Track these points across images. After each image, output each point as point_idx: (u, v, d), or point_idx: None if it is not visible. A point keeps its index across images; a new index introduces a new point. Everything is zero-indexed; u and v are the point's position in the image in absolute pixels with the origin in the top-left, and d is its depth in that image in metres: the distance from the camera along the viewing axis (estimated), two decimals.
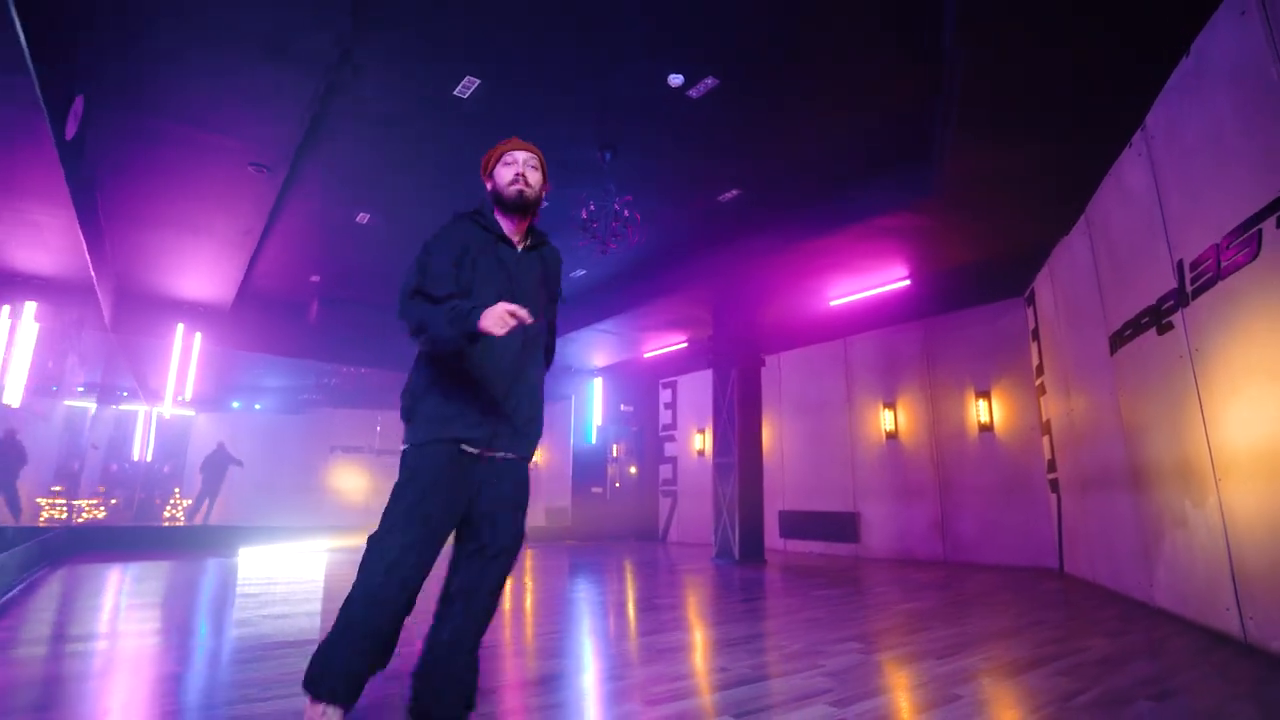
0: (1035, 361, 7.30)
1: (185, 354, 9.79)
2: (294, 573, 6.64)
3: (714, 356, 8.98)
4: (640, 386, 13.24)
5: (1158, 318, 4.04)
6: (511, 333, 1.87)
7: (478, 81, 4.82)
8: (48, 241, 6.29)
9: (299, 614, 4.17)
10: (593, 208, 4.60)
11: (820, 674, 2.69)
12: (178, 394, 10.03)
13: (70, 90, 4.29)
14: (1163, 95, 3.93)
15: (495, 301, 1.84)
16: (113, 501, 12.52)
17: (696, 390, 11.96)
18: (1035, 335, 7.26)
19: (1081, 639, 3.44)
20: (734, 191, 6.75)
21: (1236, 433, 3.27)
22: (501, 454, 2.01)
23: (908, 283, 7.82)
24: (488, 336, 1.81)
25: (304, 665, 1.85)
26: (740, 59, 4.75)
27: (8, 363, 7.53)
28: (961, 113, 4.59)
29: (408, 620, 1.91)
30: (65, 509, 11.29)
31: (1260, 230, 3.03)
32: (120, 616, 4.10)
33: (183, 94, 4.64)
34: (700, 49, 4.63)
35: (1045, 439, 7.07)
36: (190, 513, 12.36)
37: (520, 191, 2.08)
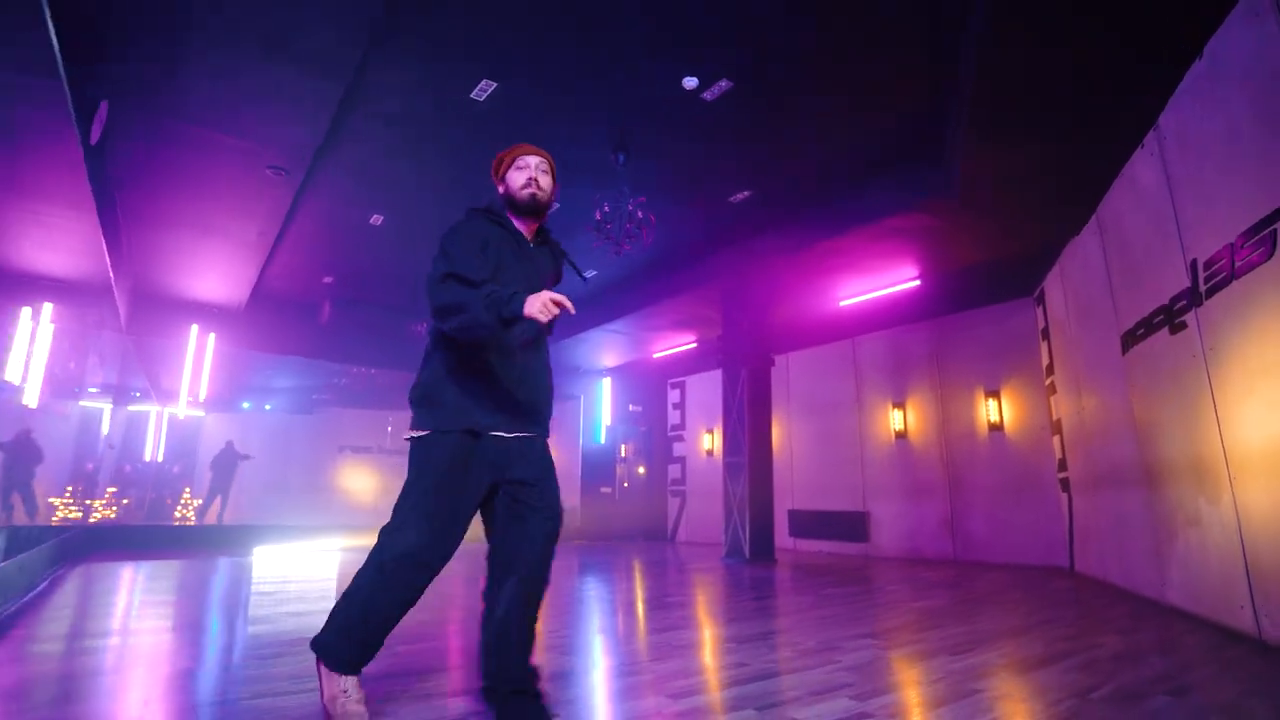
0: (1045, 361, 7.31)
1: (199, 354, 9.89)
2: (307, 571, 6.72)
3: (724, 356, 9.02)
4: (649, 386, 13.28)
5: (1171, 317, 4.06)
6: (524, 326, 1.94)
7: (494, 85, 4.89)
8: (68, 244, 6.39)
9: (316, 611, 4.24)
10: (607, 209, 4.65)
11: (838, 669, 2.73)
12: (192, 395, 10.14)
13: (95, 95, 4.37)
14: (1176, 96, 3.94)
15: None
16: (124, 502, 12.66)
17: (705, 390, 11.99)
18: (1045, 335, 7.27)
19: (1094, 636, 3.47)
20: (745, 192, 6.79)
21: (1251, 431, 3.28)
22: (519, 434, 2.07)
23: (918, 283, 7.84)
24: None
25: None
26: (754, 62, 4.79)
27: (27, 364, 7.63)
28: (974, 113, 4.62)
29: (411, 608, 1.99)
30: (79, 509, 11.44)
31: (1275, 230, 3.04)
32: (143, 613, 4.17)
33: (205, 98, 4.73)
34: (715, 52, 4.68)
35: (1056, 438, 7.08)
36: (201, 511, 12.48)
37: (533, 195, 2.14)
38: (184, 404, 10.32)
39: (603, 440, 12.94)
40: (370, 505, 15.15)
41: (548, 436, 2.22)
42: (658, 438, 13.11)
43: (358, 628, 1.91)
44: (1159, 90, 4.02)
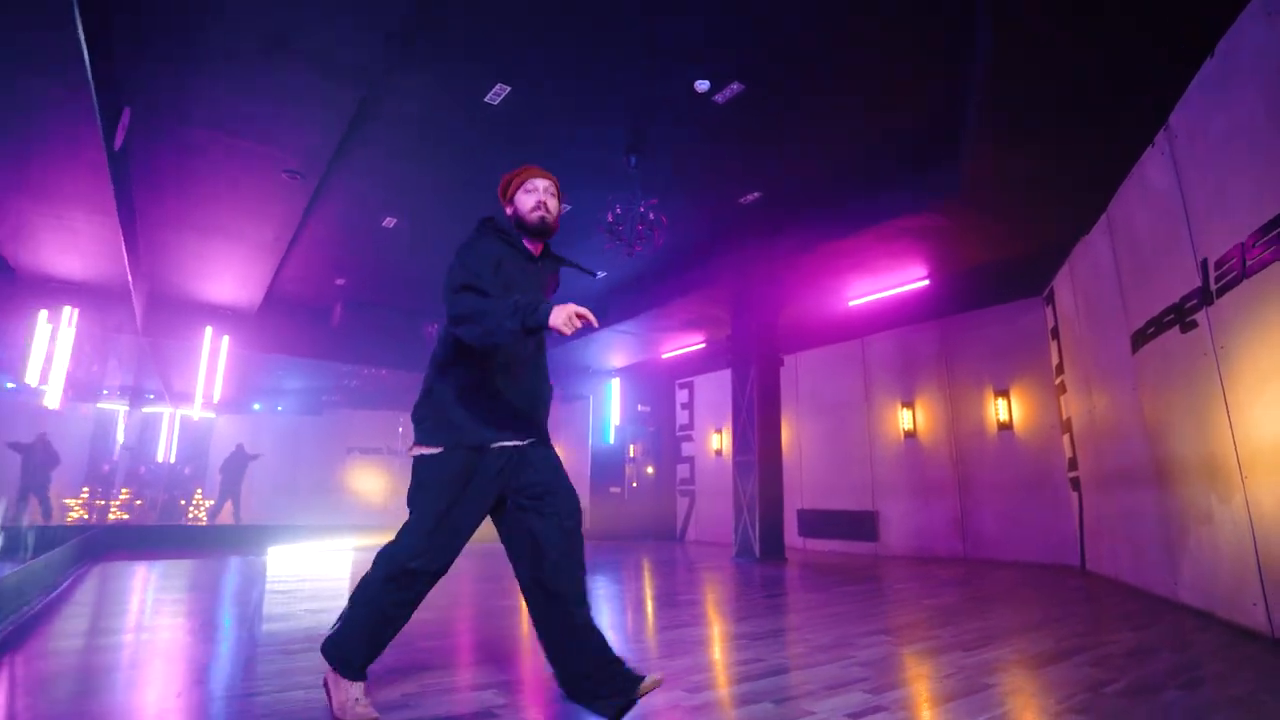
0: (1055, 360, 7.31)
1: (213, 356, 10.00)
2: (320, 570, 6.80)
3: (733, 356, 9.06)
4: (657, 387, 13.33)
5: (1182, 316, 4.07)
6: (533, 343, 2.05)
7: (508, 89, 4.96)
8: (89, 248, 6.50)
9: (333, 609, 4.30)
10: (619, 211, 4.71)
11: (852, 664, 2.77)
12: (206, 396, 10.25)
13: (118, 102, 4.45)
14: (1186, 95, 3.96)
15: None
16: (137, 503, 12.79)
17: (713, 390, 12.03)
18: (1055, 334, 7.27)
19: (1107, 633, 3.49)
20: (755, 194, 6.83)
21: (1263, 429, 3.30)
22: (519, 443, 2.13)
23: (926, 283, 7.86)
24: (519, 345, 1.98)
25: None
26: (765, 65, 4.84)
27: (48, 366, 7.75)
28: (984, 114, 4.64)
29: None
30: (91, 510, 11.59)
31: None
32: (166, 610, 4.25)
33: (224, 104, 4.81)
34: (727, 56, 4.73)
35: (1066, 437, 7.08)
36: (212, 513, 12.60)
37: (542, 218, 2.21)
38: (199, 405, 10.44)
39: (611, 440, 12.99)
40: (379, 506, 15.24)
41: (548, 440, 2.27)
42: (666, 438, 13.15)
43: (368, 634, 1.99)
44: (1170, 89, 4.03)
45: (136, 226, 6.87)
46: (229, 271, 8.26)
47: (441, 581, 2.11)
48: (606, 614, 4.20)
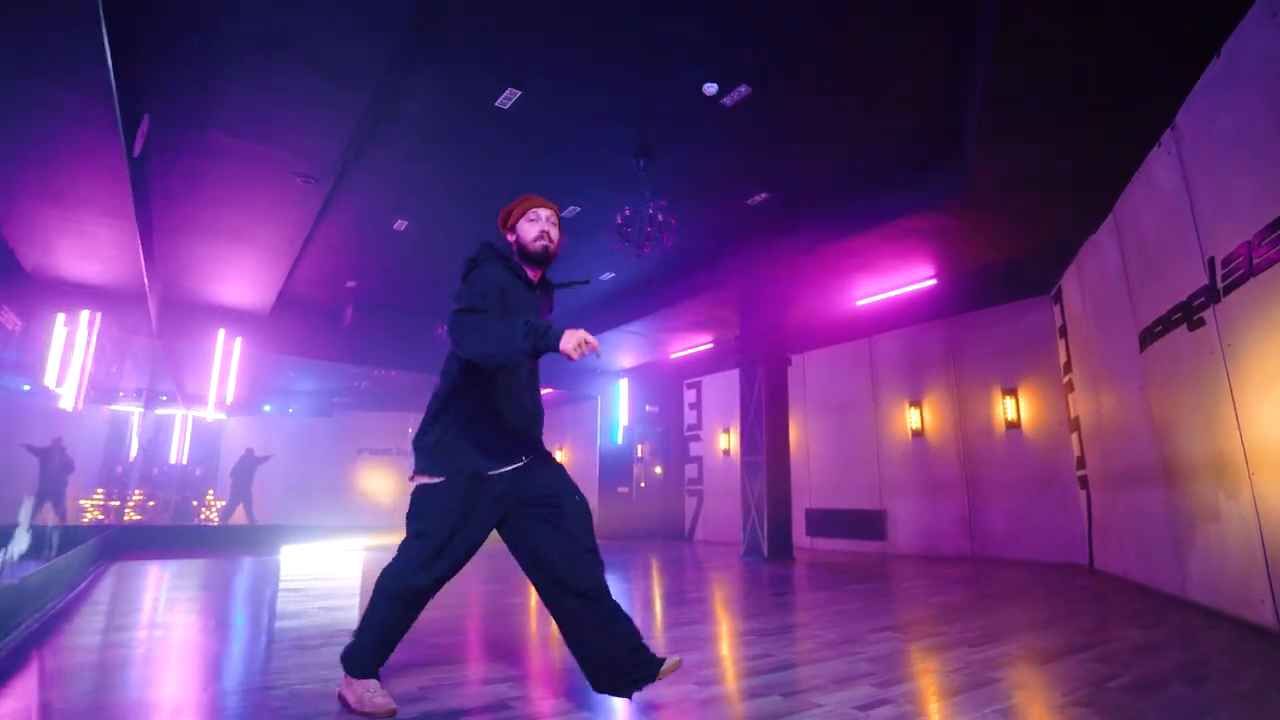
0: (1063, 359, 7.30)
1: (226, 358, 10.12)
2: (333, 570, 6.88)
3: (741, 356, 9.09)
4: (665, 387, 13.37)
5: (1189, 314, 4.08)
6: (530, 368, 2.25)
7: (518, 93, 5.03)
8: (107, 252, 6.61)
9: (347, 606, 4.38)
10: (628, 213, 4.76)
11: (859, 660, 2.80)
12: (219, 398, 10.37)
13: (137, 109, 4.55)
14: (1193, 95, 3.97)
15: None
16: (150, 504, 12.94)
17: (721, 390, 12.06)
18: (1063, 333, 7.27)
19: (1114, 630, 3.51)
20: (763, 195, 6.87)
21: (1270, 427, 3.31)
22: (517, 465, 2.21)
23: (934, 282, 7.87)
24: (517, 369, 2.18)
25: None
26: (773, 67, 4.88)
27: (64, 369, 7.88)
28: (985, 115, 4.66)
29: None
30: (106, 511, 11.74)
31: None
32: (185, 607, 4.33)
33: (240, 110, 4.90)
34: (734, 59, 4.78)
35: (1074, 436, 7.07)
36: (224, 514, 12.74)
37: (545, 247, 2.28)
38: (212, 407, 10.57)
39: (620, 440, 13.04)
40: (389, 506, 15.35)
41: (545, 451, 2.35)
42: (674, 438, 13.19)
43: (378, 644, 2.12)
44: (1176, 89, 4.05)
45: (152, 231, 6.98)
46: (242, 274, 8.37)
47: (451, 582, 2.19)
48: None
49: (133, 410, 13.33)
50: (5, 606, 3.09)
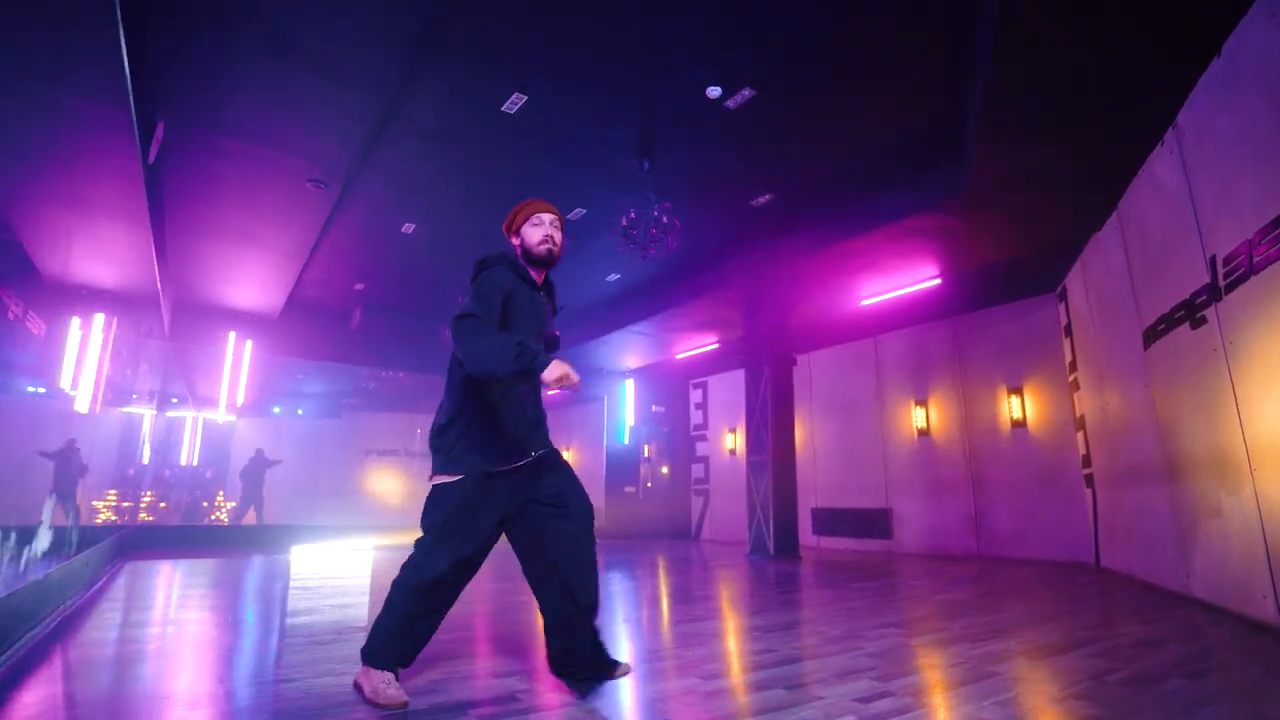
0: (1068, 357, 7.31)
1: (236, 360, 10.24)
2: (342, 569, 6.96)
3: (746, 356, 9.13)
4: (671, 387, 13.42)
5: (1191, 312, 4.10)
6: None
7: (525, 98, 5.11)
8: (121, 256, 6.73)
9: (358, 604, 4.45)
10: (633, 215, 4.82)
11: (862, 655, 2.84)
12: (229, 399, 10.50)
13: (153, 117, 4.64)
14: (1194, 94, 3.99)
15: (527, 335, 2.22)
16: (161, 505, 13.07)
17: (727, 390, 12.10)
18: (1068, 331, 7.27)
19: (1116, 625, 3.54)
20: (767, 196, 6.91)
21: (1271, 423, 3.33)
22: (525, 461, 2.29)
23: (938, 281, 7.89)
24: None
25: None
26: (776, 70, 4.93)
27: (78, 371, 8.00)
28: (986, 114, 4.69)
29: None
30: (118, 512, 11.88)
31: None
32: (201, 604, 4.41)
33: (252, 116, 5.00)
34: (737, 63, 4.83)
35: (1080, 434, 7.08)
36: (235, 516, 12.84)
37: (549, 250, 2.38)
38: (223, 409, 10.69)
39: (626, 441, 13.10)
40: (397, 507, 15.45)
41: (553, 447, 2.45)
42: (681, 437, 13.23)
43: (395, 637, 2.16)
44: (1177, 88, 4.07)
45: (165, 235, 7.10)
46: (253, 277, 8.48)
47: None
48: (623, 609, 4.30)
49: (145, 412, 13.48)
50: (30, 602, 3.18)
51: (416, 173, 6.34)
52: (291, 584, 5.56)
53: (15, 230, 6.22)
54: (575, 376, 1.99)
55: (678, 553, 9.22)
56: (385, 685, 2.09)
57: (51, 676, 2.54)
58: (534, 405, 2.40)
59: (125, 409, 13.01)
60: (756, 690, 2.32)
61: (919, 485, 8.80)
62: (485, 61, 4.76)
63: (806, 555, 8.50)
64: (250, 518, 12.53)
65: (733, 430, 11.87)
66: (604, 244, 7.40)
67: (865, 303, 8.76)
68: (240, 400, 10.63)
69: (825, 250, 7.19)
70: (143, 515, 12.52)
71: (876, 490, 9.29)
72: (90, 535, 7.06)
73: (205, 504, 13.60)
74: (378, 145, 5.72)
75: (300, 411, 16.18)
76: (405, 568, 2.21)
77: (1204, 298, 3.92)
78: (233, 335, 10.09)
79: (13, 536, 4.88)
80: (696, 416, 12.97)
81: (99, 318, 8.12)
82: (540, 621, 2.30)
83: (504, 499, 2.24)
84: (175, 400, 13.65)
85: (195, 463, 14.03)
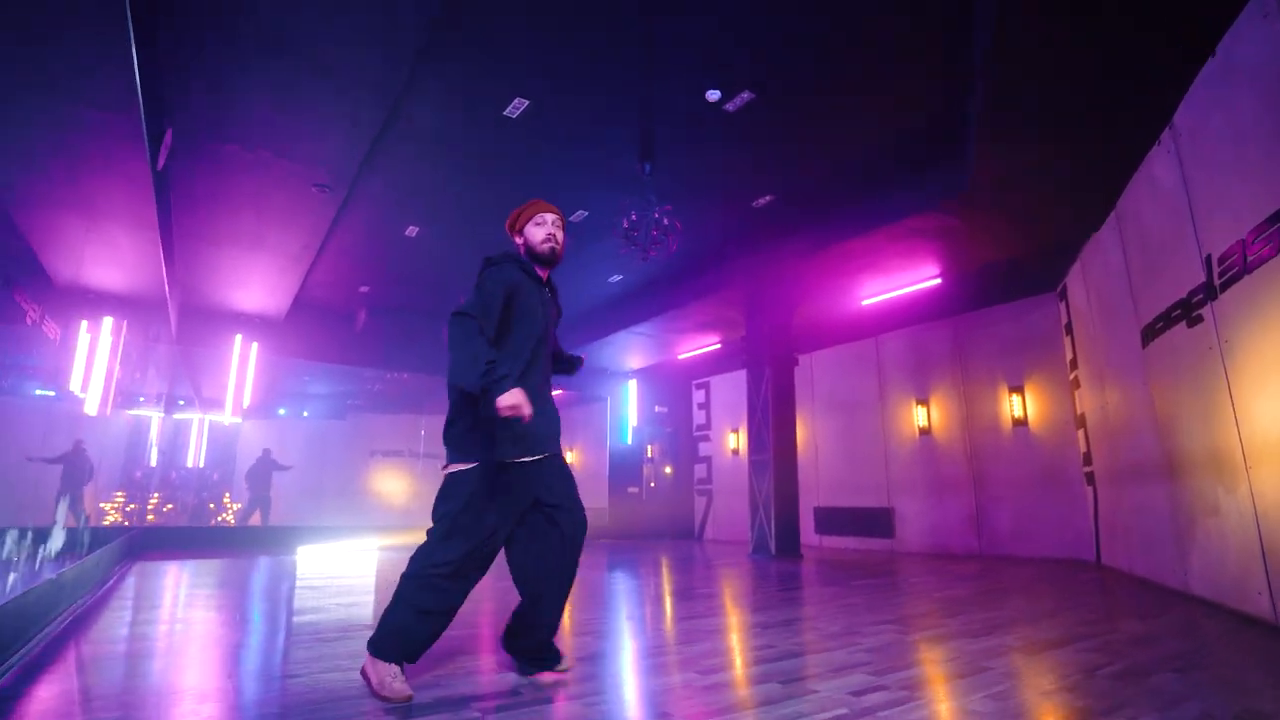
0: (1069, 356, 7.33)
1: (243, 363, 10.33)
2: (348, 569, 7.03)
3: (748, 357, 9.17)
4: (674, 388, 13.47)
5: (1188, 310, 4.13)
6: (541, 361, 2.39)
7: (526, 102, 5.18)
8: (130, 260, 6.82)
9: (363, 603, 4.51)
10: (634, 217, 4.87)
11: (858, 650, 2.89)
12: (236, 401, 10.58)
13: (161, 124, 4.72)
14: (1190, 94, 4.02)
15: (532, 336, 2.35)
16: (167, 508, 13.17)
17: (729, 390, 12.14)
18: (1069, 330, 7.30)
19: (1113, 622, 3.57)
20: (768, 197, 6.96)
21: (1267, 421, 3.36)
22: (539, 456, 2.36)
23: (938, 281, 7.91)
24: (534, 362, 2.34)
25: None
26: (774, 74, 4.98)
27: (88, 375, 8.10)
28: (985, 114, 4.73)
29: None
30: (126, 514, 11.98)
31: None
32: (209, 603, 4.48)
33: (258, 122, 5.08)
34: (736, 66, 4.88)
35: (1080, 432, 7.10)
36: (241, 518, 12.93)
37: (552, 249, 2.47)
38: (229, 411, 10.77)
39: (629, 441, 13.15)
40: (401, 507, 15.53)
41: (561, 453, 2.54)
42: (683, 438, 13.28)
43: (402, 629, 2.19)
44: (1171, 88, 4.10)
45: (173, 240, 7.18)
46: (259, 281, 8.56)
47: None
48: (626, 607, 4.35)
49: (152, 415, 13.59)
50: (45, 600, 3.25)
51: (420, 177, 6.42)
52: (297, 583, 5.63)
53: (28, 236, 6.32)
54: (527, 410, 2.09)
55: (680, 552, 9.26)
56: (391, 679, 2.14)
57: (66, 671, 2.60)
58: (547, 403, 2.44)
59: (133, 411, 13.13)
60: (752, 684, 2.36)
61: (921, 484, 8.82)
62: (487, 67, 4.82)
63: (808, 554, 8.54)
64: (256, 520, 12.61)
65: (735, 430, 11.91)
66: (606, 246, 7.46)
67: (866, 303, 8.80)
68: (246, 402, 10.71)
69: (826, 250, 7.23)
70: (150, 517, 12.63)
71: (878, 489, 9.32)
72: (99, 536, 7.15)
73: (212, 506, 13.70)
74: (380, 150, 5.79)
75: (306, 413, 16.28)
76: (415, 559, 2.24)
77: (1200, 296, 3.95)
78: (239, 338, 10.18)
79: (29, 536, 4.97)
80: (699, 417, 13.01)
81: (108, 321, 8.22)
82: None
83: (514, 492, 2.30)
84: (182, 402, 13.76)
85: (202, 465, 14.13)
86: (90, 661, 2.76)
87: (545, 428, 2.39)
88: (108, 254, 6.73)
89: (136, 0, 3.36)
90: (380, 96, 4.80)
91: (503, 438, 2.27)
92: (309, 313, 10.46)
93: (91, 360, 8.16)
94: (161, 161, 4.87)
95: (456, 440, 2.30)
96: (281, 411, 15.97)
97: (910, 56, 4.90)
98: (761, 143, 5.92)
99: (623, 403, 13.27)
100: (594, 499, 13.30)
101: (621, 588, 5.37)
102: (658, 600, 4.74)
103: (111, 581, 5.26)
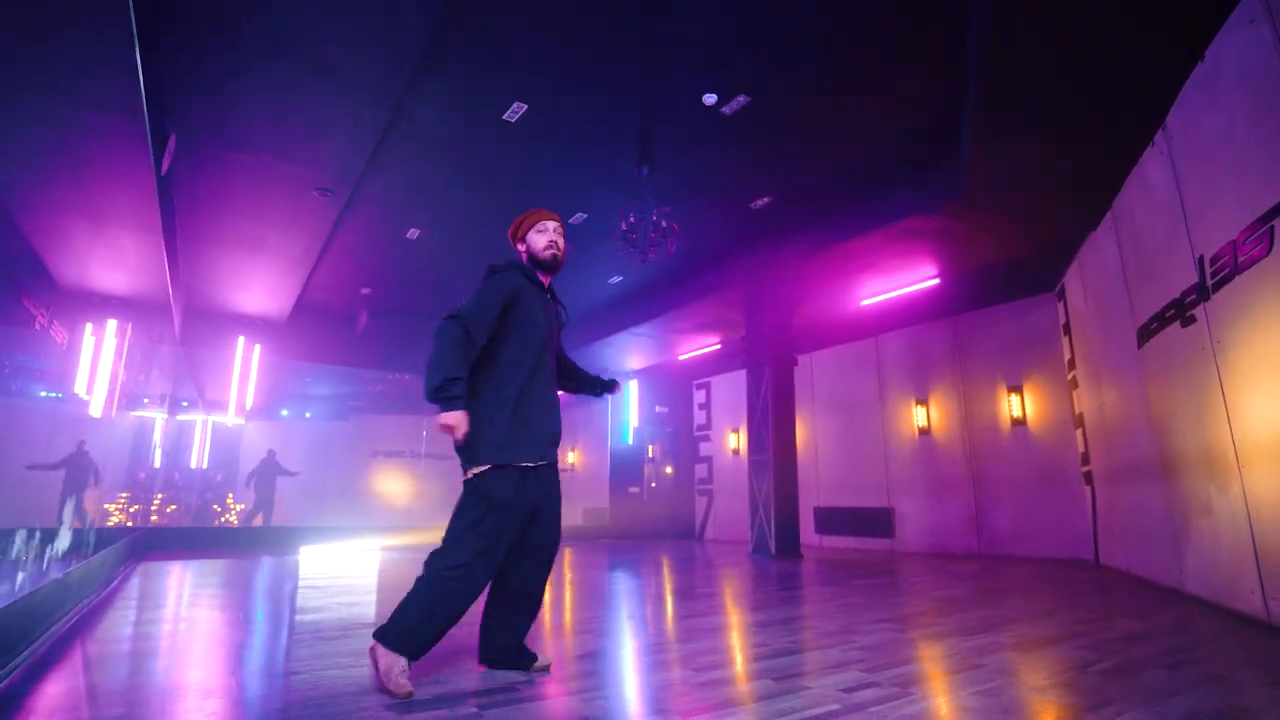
0: (1067, 356, 7.35)
1: (246, 364, 10.39)
2: (351, 569, 7.07)
3: (748, 357, 9.21)
4: (675, 388, 13.51)
5: (1181, 311, 4.16)
6: (545, 368, 2.45)
7: (525, 107, 5.22)
8: (134, 264, 6.88)
9: (366, 602, 4.55)
10: (632, 219, 4.91)
11: (854, 648, 2.92)
12: (239, 403, 10.64)
13: (165, 128, 4.77)
14: (1182, 96, 4.05)
15: (534, 342, 2.41)
16: (170, 509, 13.22)
17: (729, 391, 12.17)
18: (1067, 330, 7.32)
19: (1108, 620, 3.60)
20: (766, 199, 6.99)
21: (1258, 421, 3.39)
22: (546, 461, 2.44)
23: (937, 281, 7.94)
24: (539, 368, 2.41)
25: None
26: (770, 77, 5.02)
27: (93, 377, 8.16)
28: (982, 115, 4.76)
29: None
30: (129, 516, 12.04)
31: (1273, 227, 3.16)
32: (212, 603, 4.52)
33: (262, 127, 5.13)
34: (732, 70, 4.93)
35: (1078, 432, 7.12)
36: (245, 519, 12.97)
37: (554, 255, 2.55)
38: (232, 412, 10.83)
39: (630, 441, 13.19)
40: (404, 508, 15.56)
41: (556, 463, 2.61)
42: (684, 438, 13.32)
43: (413, 624, 2.25)
44: (1167, 90, 4.13)
45: (176, 243, 7.24)
46: (261, 283, 8.62)
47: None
48: (627, 606, 4.38)
49: (156, 416, 13.65)
50: (52, 600, 3.30)
51: (420, 180, 6.47)
52: (300, 583, 5.67)
53: (31, 239, 6.37)
54: (460, 435, 2.20)
55: (681, 552, 9.29)
56: (399, 672, 2.19)
57: (72, 669, 2.64)
58: (554, 409, 2.51)
59: (137, 413, 13.19)
60: (747, 681, 2.40)
61: (920, 484, 8.85)
62: (488, 73, 4.87)
63: (808, 554, 8.57)
64: (259, 521, 12.66)
65: (735, 430, 11.94)
66: (606, 247, 7.50)
67: (866, 303, 8.83)
68: (249, 403, 10.78)
69: (825, 251, 7.26)
70: (154, 518, 12.69)
71: (878, 489, 9.35)
72: (104, 537, 7.21)
73: (215, 507, 13.75)
74: (382, 151, 5.84)
75: (308, 414, 16.33)
76: (431, 562, 2.30)
77: (1193, 297, 3.98)
78: (242, 340, 10.24)
79: (36, 536, 5.02)
80: (700, 417, 13.05)
81: (112, 323, 8.28)
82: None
83: (527, 496, 2.36)
84: (185, 404, 13.82)
85: (205, 466, 14.19)
86: (95, 660, 2.80)
87: (555, 433, 2.46)
88: (112, 257, 6.78)
89: (138, 0, 3.40)
90: (383, 96, 4.85)
91: (514, 443, 2.34)
92: (311, 315, 10.52)
93: (96, 362, 8.22)
94: (166, 166, 4.92)
95: (470, 445, 2.35)
96: (284, 413, 16.01)
97: (912, 56, 4.92)
98: (758, 145, 5.96)
99: (624, 403, 13.31)
100: (595, 499, 13.34)
101: (622, 587, 5.40)
102: (658, 599, 4.78)
103: (116, 581, 5.31)
